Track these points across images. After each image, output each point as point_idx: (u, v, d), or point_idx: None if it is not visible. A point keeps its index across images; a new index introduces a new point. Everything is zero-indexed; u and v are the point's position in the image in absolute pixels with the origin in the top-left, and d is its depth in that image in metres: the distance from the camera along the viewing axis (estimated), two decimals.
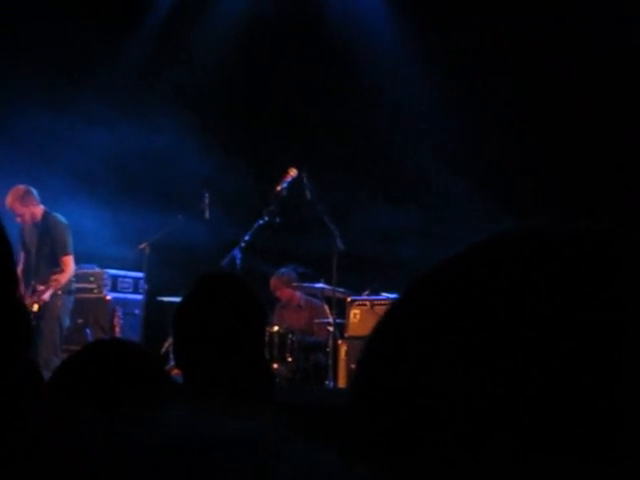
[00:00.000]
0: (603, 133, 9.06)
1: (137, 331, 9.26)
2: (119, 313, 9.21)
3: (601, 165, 8.95)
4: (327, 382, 8.19)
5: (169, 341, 8.20)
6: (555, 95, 9.34)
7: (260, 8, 10.77)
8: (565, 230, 0.69)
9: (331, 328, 8.46)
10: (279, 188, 8.33)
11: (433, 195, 9.90)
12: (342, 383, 8.25)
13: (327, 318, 8.89)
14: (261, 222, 8.31)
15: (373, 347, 0.69)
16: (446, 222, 9.06)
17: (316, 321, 9.10)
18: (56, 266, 8.25)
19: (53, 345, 8.07)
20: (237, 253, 8.31)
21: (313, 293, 9.41)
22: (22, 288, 7.72)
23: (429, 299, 0.68)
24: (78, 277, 8.76)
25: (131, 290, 9.83)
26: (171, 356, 7.58)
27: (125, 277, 9.87)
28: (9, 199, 8.22)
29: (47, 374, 2.02)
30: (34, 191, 8.32)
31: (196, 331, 2.61)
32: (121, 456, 0.52)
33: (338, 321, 8.59)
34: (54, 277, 8.16)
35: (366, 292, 8.87)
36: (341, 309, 8.76)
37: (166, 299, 8.90)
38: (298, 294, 9.37)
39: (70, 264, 8.32)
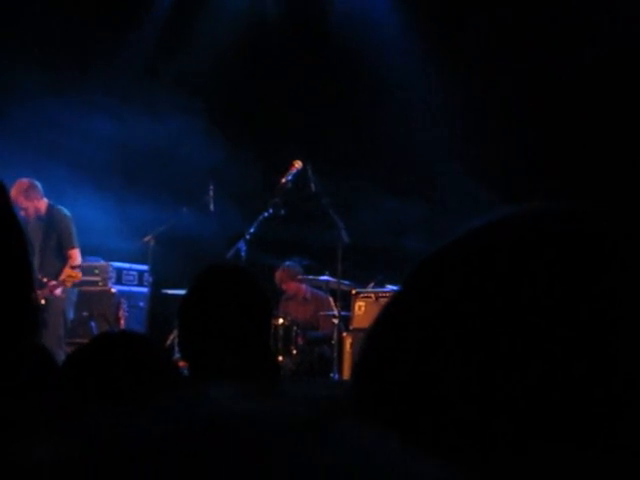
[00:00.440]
0: (607, 129, 9.05)
1: (142, 324, 9.26)
2: (124, 306, 9.19)
3: (605, 162, 8.93)
4: (332, 374, 8.19)
5: (174, 333, 8.19)
6: (562, 91, 9.32)
7: None
8: (564, 215, 0.69)
9: (336, 320, 8.45)
10: (284, 180, 8.31)
11: (438, 188, 9.89)
12: (347, 375, 8.24)
13: (332, 310, 8.88)
14: (266, 214, 8.29)
15: (373, 337, 0.70)
16: (451, 214, 9.04)
17: (321, 313, 9.10)
18: (62, 259, 8.21)
19: (57, 338, 8.00)
20: (242, 245, 8.29)
21: (318, 285, 9.40)
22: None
23: (428, 287, 0.68)
24: (83, 270, 8.73)
25: (136, 283, 9.83)
26: (176, 348, 7.59)
27: (130, 270, 9.87)
28: (13, 193, 8.13)
29: None
30: (38, 185, 8.24)
31: (201, 323, 2.61)
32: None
33: (343, 313, 8.59)
34: (69, 273, 8.00)
35: (371, 284, 8.87)
36: (346, 302, 8.75)
37: (171, 292, 8.88)
38: (303, 287, 9.37)
39: (77, 257, 8.27)
